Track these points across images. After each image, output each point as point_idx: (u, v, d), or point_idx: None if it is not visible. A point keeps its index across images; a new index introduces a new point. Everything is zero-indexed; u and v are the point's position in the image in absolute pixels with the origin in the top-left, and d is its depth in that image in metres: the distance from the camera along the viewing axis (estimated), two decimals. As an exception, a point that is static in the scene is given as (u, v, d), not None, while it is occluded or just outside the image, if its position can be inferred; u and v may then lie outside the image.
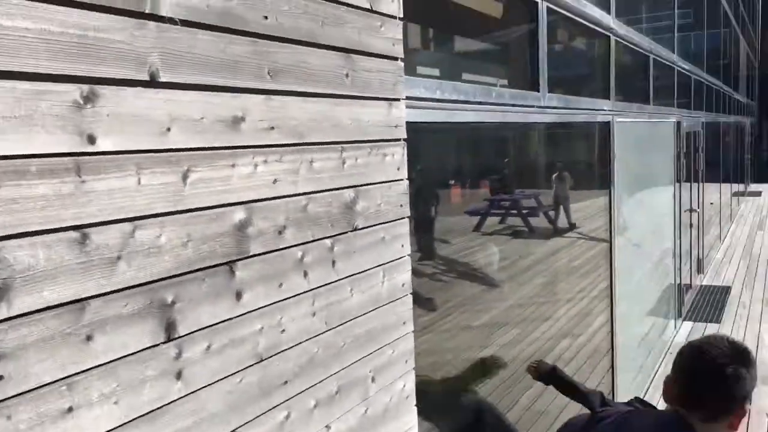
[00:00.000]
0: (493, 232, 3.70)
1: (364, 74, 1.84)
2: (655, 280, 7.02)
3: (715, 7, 12.47)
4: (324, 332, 1.67)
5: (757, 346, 7.26)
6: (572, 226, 4.85)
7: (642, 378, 5.94)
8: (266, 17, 1.47)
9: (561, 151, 4.74)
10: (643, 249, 6.46)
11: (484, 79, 3.59)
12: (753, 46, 25.48)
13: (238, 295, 1.40)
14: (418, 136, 2.62)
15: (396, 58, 2.00)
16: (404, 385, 2.04)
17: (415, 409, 2.09)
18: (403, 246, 2.04)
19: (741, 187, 20.73)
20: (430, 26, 3.05)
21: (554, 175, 4.58)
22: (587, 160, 5.34)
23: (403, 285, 2.04)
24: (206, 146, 1.31)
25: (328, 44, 1.68)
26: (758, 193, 22.44)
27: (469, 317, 3.27)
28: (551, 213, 4.57)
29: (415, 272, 2.70)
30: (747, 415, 1.73)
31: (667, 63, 7.49)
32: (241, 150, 1.40)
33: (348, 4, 1.75)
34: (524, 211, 4.10)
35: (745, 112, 22.18)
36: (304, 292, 1.60)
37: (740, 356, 1.74)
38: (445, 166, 3.15)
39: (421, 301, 2.75)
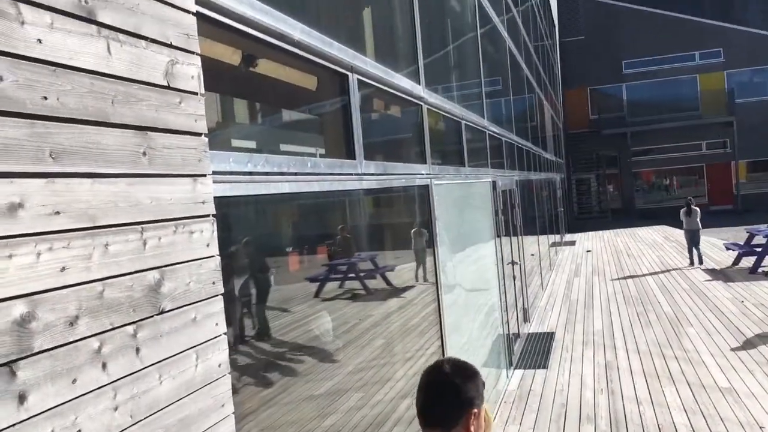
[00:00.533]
0: (333, 297, 3.69)
1: (164, 151, 1.79)
2: (485, 334, 7.30)
3: (519, 75, 13.57)
4: (129, 427, 1.56)
5: (581, 386, 7.72)
6: (407, 287, 4.96)
7: None
8: (45, 98, 1.39)
9: (392, 214, 4.87)
10: (471, 304, 6.72)
11: (301, 149, 3.64)
12: (556, 108, 27.92)
13: (22, 398, 1.27)
14: (246, 208, 2.59)
15: (199, 134, 1.97)
16: (227, 472, 1.94)
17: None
18: (217, 324, 1.98)
19: (557, 237, 22.33)
20: (242, 99, 3.06)
21: (413, 230, 4.85)
22: (412, 221, 5.52)
23: (219, 365, 1.97)
24: (-26, 238, 1.20)
25: (121, 123, 1.63)
26: (573, 243, 24.28)
27: (312, 387, 3.21)
28: (387, 274, 4.66)
29: (251, 347, 2.62)
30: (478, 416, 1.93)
31: (479, 128, 7.99)
32: (20, 239, 1.30)
33: (141, 82, 1.71)
34: (361, 274, 4.14)
35: (555, 169, 24.09)
36: (104, 385, 1.49)
37: (458, 370, 1.99)
38: (280, 235, 3.13)
39: (258, 377, 2.66)
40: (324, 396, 3.29)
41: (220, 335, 1.99)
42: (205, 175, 1.98)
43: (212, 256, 1.98)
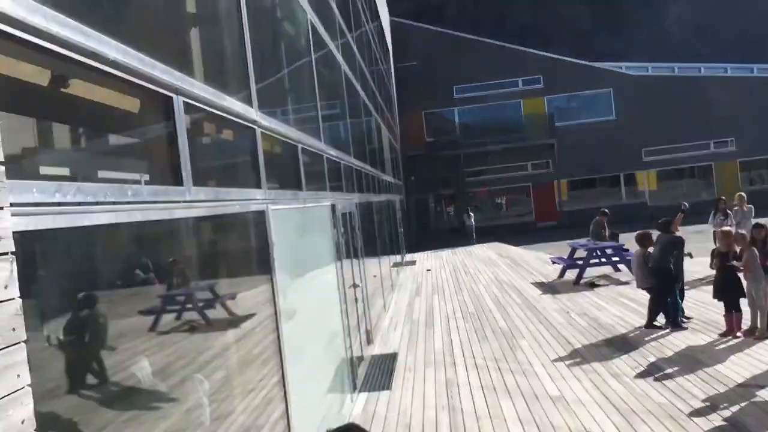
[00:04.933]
0: (170, 330, 3.45)
1: (-54, 183, 1.57)
2: (329, 359, 7.24)
3: (355, 98, 13.77)
4: None
5: (423, 405, 7.85)
6: (248, 315, 4.78)
7: (325, 458, 5.99)
8: None
9: (226, 242, 4.68)
10: (314, 330, 6.64)
11: (123, 176, 3.41)
12: (393, 131, 28.69)
13: None
14: (57, 244, 2.34)
15: (-7, 162, 1.76)
16: None
17: None
18: (19, 376, 1.76)
19: (398, 258, 22.81)
20: (51, 122, 2.81)
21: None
22: (249, 247, 5.35)
23: (23, 422, 1.75)
24: None
25: None
26: (413, 262, 24.90)
27: (149, 428, 2.97)
28: (227, 303, 4.45)
29: (64, 398, 2.37)
30: None
31: (316, 151, 7.97)
32: None
33: None
34: (200, 304, 3.93)
35: (394, 191, 24.67)
36: None
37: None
38: (109, 269, 2.87)
39: (88, 422, 2.41)
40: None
41: (23, 387, 1.77)
42: (1, 208, 1.77)
43: (12, 299, 1.76)
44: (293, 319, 5.60)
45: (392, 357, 10.39)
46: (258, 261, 5.02)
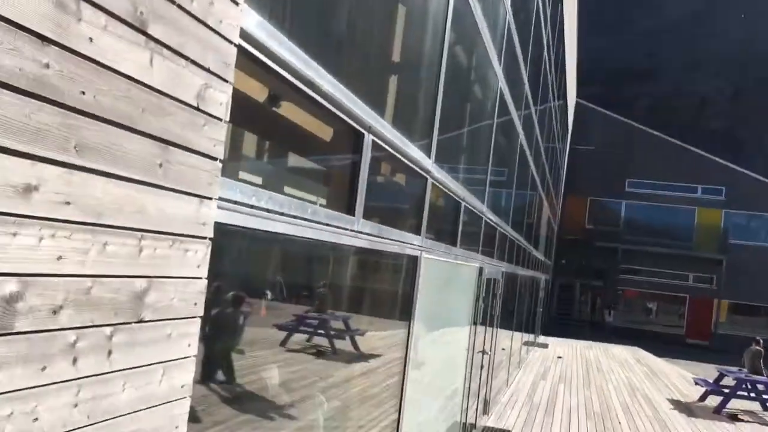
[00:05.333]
0: (298, 350, 3.67)
1: (179, 167, 1.84)
2: (444, 416, 7.23)
3: (525, 170, 13.82)
4: (84, 426, 1.56)
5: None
6: (374, 354, 4.93)
7: None
8: (83, 92, 1.45)
9: (376, 279, 4.88)
10: (435, 384, 6.68)
11: (304, 195, 3.69)
12: (554, 211, 28.28)
13: (-10, 374, 1.28)
14: (240, 240, 2.62)
15: (215, 158, 2.02)
16: (165, 495, 1.92)
17: None
18: (189, 345, 1.99)
19: (531, 337, 22.27)
20: (258, 136, 3.13)
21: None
22: (395, 289, 5.53)
23: (182, 386, 1.97)
24: (-13, 209, 1.24)
25: (146, 132, 1.68)
26: (545, 345, 24.20)
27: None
28: (357, 338, 4.63)
29: (209, 378, 2.61)
30: None
31: (477, 212, 8.10)
32: (27, 219, 1.33)
33: (173, 97, 1.77)
34: (332, 332, 4.12)
35: (542, 269, 24.22)
36: (70, 380, 1.50)
37: None
38: (263, 275, 3.13)
39: (210, 412, 2.64)
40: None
41: (190, 356, 1.99)
42: (211, 198, 2.03)
43: (200, 278, 2.01)
44: (420, 368, 5.68)
45: (504, 434, 10.15)
46: (401, 304, 5.18)
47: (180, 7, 1.76)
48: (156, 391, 1.83)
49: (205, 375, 2.60)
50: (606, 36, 46.26)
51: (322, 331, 3.99)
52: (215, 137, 2.01)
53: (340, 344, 4.25)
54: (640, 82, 48.64)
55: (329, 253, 3.73)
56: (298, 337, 3.63)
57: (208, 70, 1.92)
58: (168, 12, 1.72)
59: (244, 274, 2.92)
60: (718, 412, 14.49)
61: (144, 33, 1.64)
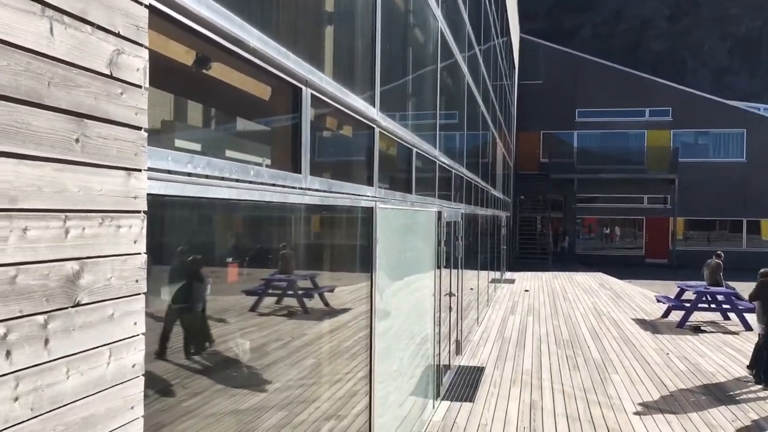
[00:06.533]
0: (269, 313, 3.63)
1: (99, 141, 1.75)
2: (416, 362, 7.30)
3: (475, 110, 13.78)
4: (28, 419, 1.49)
5: (505, 422, 7.77)
6: (344, 309, 4.91)
7: (400, 459, 6.05)
8: (-24, 70, 1.35)
9: (333, 234, 4.84)
10: (404, 332, 6.72)
11: (246, 157, 3.60)
12: (509, 147, 28.41)
13: None
14: (190, 210, 2.54)
15: (138, 128, 1.93)
16: (129, 477, 1.88)
17: (142, 503, 1.93)
18: (135, 324, 1.92)
19: (497, 274, 22.59)
20: (189, 100, 3.02)
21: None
22: (353, 242, 5.50)
23: (133, 366, 1.91)
24: None
25: (56, 106, 1.58)
26: (512, 281, 24.59)
27: (237, 400, 3.14)
28: (326, 295, 4.59)
29: (175, 352, 2.55)
30: None
31: (430, 157, 8.06)
32: (-70, 212, 1.25)
33: (82, 68, 1.67)
34: (300, 292, 4.08)
35: (502, 207, 24.44)
36: (5, 374, 1.43)
37: None
38: (222, 243, 3.06)
39: (183, 385, 2.59)
40: (246, 412, 3.22)
41: (138, 335, 1.93)
42: (140, 170, 1.94)
43: (138, 254, 1.93)
44: (387, 318, 5.70)
45: (479, 371, 10.33)
46: (361, 257, 5.15)
47: (76, -31, 1.64)
48: (104, 374, 1.77)
49: (173, 349, 2.54)
50: (543, -33, 46.12)
51: (290, 292, 3.95)
52: (136, 105, 1.91)
53: (309, 303, 4.22)
54: (582, 12, 48.71)
55: (284, 214, 3.66)
56: (268, 300, 3.59)
57: (117, 35, 1.81)
58: (63, -25, 1.60)
59: (199, 245, 2.84)
60: (681, 326, 14.95)
61: (39, 1, 1.53)
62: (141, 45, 1.93)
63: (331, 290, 4.63)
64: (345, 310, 4.98)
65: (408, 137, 6.59)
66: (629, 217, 35.92)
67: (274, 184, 3.21)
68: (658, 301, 17.41)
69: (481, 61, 14.85)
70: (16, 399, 1.46)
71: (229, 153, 3.46)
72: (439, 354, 8.66)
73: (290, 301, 4.01)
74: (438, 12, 8.41)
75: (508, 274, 26.72)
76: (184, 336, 2.69)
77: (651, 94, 35.39)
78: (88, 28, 1.70)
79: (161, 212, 2.26)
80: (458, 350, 10.87)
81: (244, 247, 3.32)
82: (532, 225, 36.64)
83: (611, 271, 28.35)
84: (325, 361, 4.45)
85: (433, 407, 8.20)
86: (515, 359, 11.28)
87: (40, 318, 1.54)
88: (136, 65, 1.91)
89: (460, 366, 10.63)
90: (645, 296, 20.46)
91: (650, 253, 35.35)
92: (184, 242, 2.63)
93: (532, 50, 36.49)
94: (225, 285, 3.07)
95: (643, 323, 15.46)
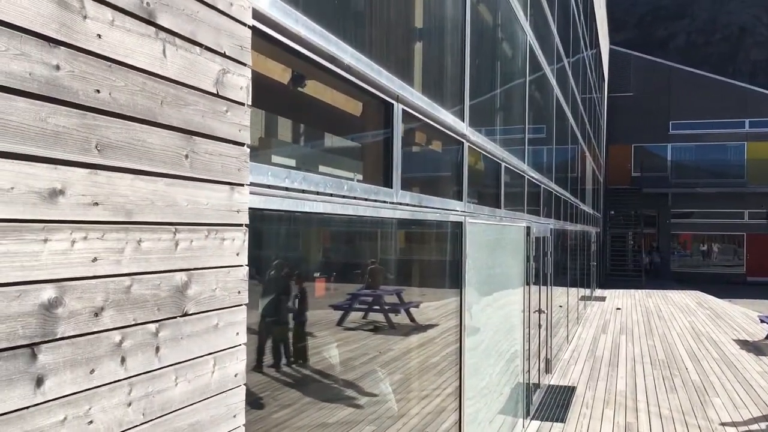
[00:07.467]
0: (355, 327, 3.67)
1: (205, 157, 1.82)
2: (505, 380, 7.19)
3: (564, 124, 13.55)
4: (140, 425, 1.56)
5: (598, 446, 7.54)
6: (431, 325, 4.90)
7: (489, 477, 5.96)
8: (98, 91, 1.43)
9: (422, 250, 4.85)
10: (494, 348, 6.64)
11: (339, 173, 3.66)
12: (598, 162, 27.76)
13: (39, 381, 1.28)
14: (287, 224, 2.61)
15: (242, 144, 2.00)
16: (231, 484, 1.93)
17: None
18: (238, 334, 1.98)
19: (587, 291, 22.02)
20: (286, 117, 3.10)
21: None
22: (443, 258, 5.48)
23: (236, 375, 1.97)
24: (13, 218, 1.23)
25: (168, 124, 1.66)
26: (603, 298, 23.91)
27: (325, 414, 3.18)
28: (412, 310, 4.60)
29: (269, 364, 2.61)
30: None
31: (518, 171, 7.97)
32: (57, 224, 1.32)
33: (191, 87, 1.74)
34: (386, 308, 4.11)
35: (591, 222, 23.86)
36: (120, 380, 1.50)
37: None
38: (309, 256, 3.13)
39: (275, 396, 2.65)
40: (334, 425, 3.26)
41: (240, 345, 1.99)
42: (242, 185, 2.01)
43: (241, 266, 1.99)
44: (476, 334, 5.64)
45: (570, 390, 10.07)
46: (449, 272, 5.14)
47: (187, -7, 1.72)
48: (209, 383, 1.83)
49: (267, 360, 2.60)
50: (634, -23, 45.04)
51: (377, 307, 3.97)
52: (239, 122, 1.98)
53: (395, 318, 4.23)
54: (674, 20, 47.22)
55: (374, 227, 3.70)
56: (354, 315, 3.63)
57: (223, 55, 1.89)
58: (174, 0, 1.68)
59: (292, 258, 2.90)
60: (787, 348, 14.16)
61: (153, 24, 1.61)
62: (244, 64, 2.00)
63: (417, 306, 4.62)
64: (431, 326, 4.96)
65: (497, 151, 6.54)
66: (728, 233, 34.34)
67: (366, 199, 3.25)
68: (762, 321, 16.53)
69: (569, 73, 14.61)
70: (130, 404, 1.53)
71: (322, 168, 3.53)
72: (529, 372, 8.50)
73: (379, 317, 4.03)
74: (526, 25, 8.34)
75: (599, 292, 26.00)
76: (273, 348, 2.75)
77: (751, 104, 33.83)
78: (197, 49, 1.77)
79: (261, 226, 2.32)
80: (548, 368, 10.64)
81: (334, 261, 3.37)
82: (623, 241, 35.54)
83: (709, 290, 27.14)
84: (413, 376, 4.45)
85: (523, 426, 8.05)
86: (608, 379, 10.94)
87: (152, 326, 1.60)
88: (240, 84, 1.98)
89: (550, 385, 10.39)
90: (747, 316, 19.48)
91: (752, 271, 33.66)
92: (281, 255, 2.69)
93: (622, 61, 35.59)
94: (318, 298, 3.12)
95: (745, 344, 14.72)
